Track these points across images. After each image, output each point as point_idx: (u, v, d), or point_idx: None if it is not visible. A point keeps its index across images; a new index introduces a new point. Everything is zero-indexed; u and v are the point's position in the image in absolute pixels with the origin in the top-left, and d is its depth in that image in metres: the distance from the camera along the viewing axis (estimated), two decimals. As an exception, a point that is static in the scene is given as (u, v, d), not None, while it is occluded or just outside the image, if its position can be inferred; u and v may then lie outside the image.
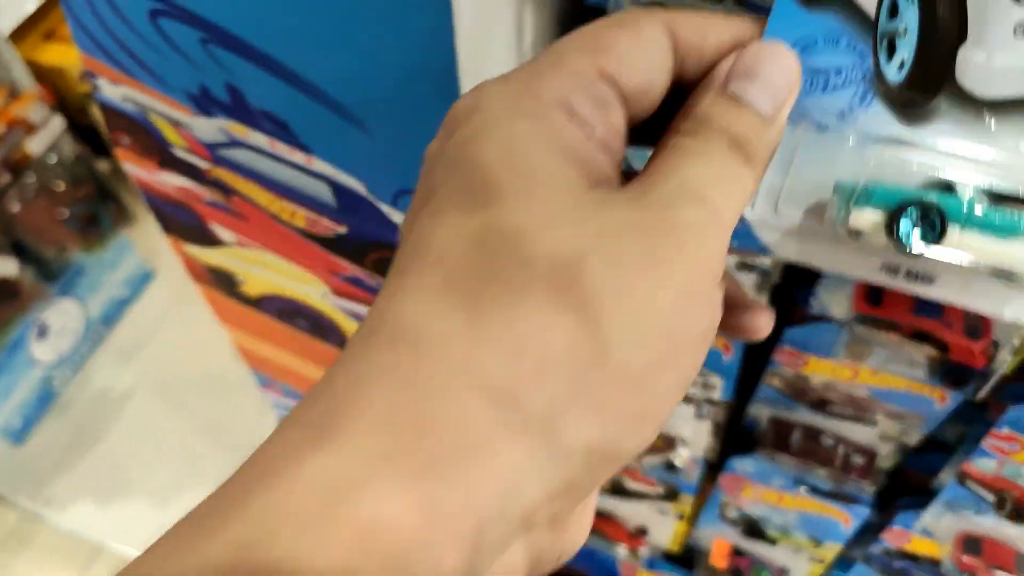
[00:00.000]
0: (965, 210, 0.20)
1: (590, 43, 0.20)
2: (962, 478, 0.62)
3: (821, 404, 0.66)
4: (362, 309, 0.55)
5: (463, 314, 0.17)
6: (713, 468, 0.82)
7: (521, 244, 0.17)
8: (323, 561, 0.14)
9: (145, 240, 1.37)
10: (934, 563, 0.77)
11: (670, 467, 0.71)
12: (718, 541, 0.87)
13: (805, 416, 0.68)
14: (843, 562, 0.85)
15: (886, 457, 0.68)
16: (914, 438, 0.65)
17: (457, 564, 0.16)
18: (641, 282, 0.17)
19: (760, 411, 0.70)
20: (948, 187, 0.20)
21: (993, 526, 0.64)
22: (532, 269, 0.17)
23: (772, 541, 0.83)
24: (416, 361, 0.16)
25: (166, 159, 0.48)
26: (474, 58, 0.33)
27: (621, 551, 0.92)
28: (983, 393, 0.51)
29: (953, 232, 0.20)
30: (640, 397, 0.18)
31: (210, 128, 0.44)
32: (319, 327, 0.60)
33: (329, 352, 0.62)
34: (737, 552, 0.87)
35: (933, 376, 0.49)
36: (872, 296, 0.48)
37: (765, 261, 0.44)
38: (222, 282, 0.59)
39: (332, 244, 0.49)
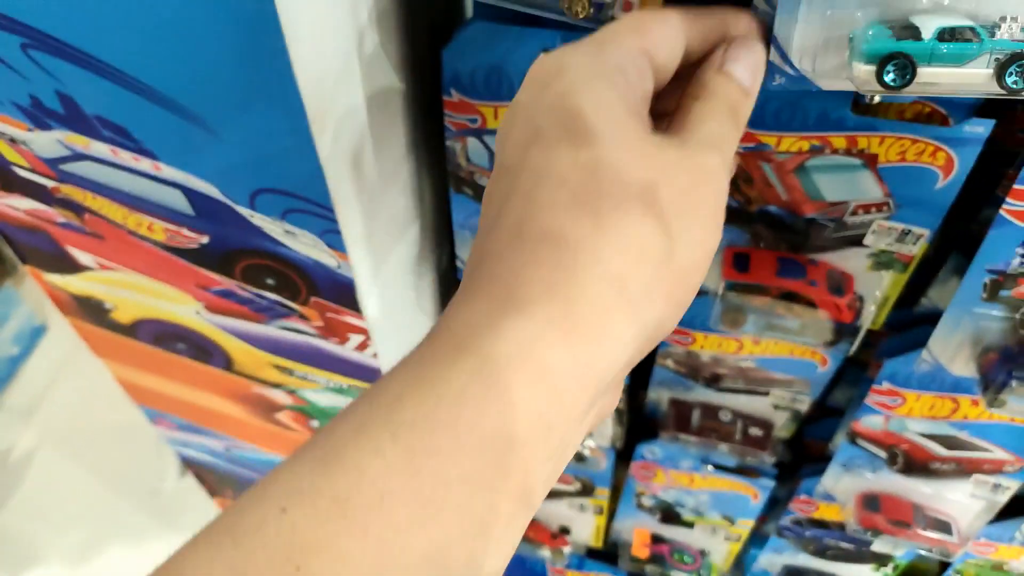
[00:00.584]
0: (929, 51, 0.27)
1: (636, 26, 0.27)
2: (853, 438, 0.64)
3: (715, 380, 0.67)
4: (239, 325, 0.53)
5: (589, 221, 0.24)
6: (624, 458, 0.82)
7: (621, 173, 0.24)
8: (520, 392, 0.22)
9: (33, 290, 1.31)
10: (840, 527, 0.79)
11: (579, 458, 0.71)
12: (638, 531, 0.88)
13: (702, 395, 0.70)
14: (758, 538, 0.86)
15: (782, 427, 0.70)
16: (805, 404, 0.67)
17: (585, 407, 0.23)
18: (689, 205, 0.25)
19: (660, 394, 0.71)
20: (915, 33, 0.27)
21: (888, 482, 0.66)
22: (628, 191, 0.24)
23: (689, 524, 0.84)
24: (561, 257, 0.23)
25: (9, 181, 0.46)
26: (305, 44, 0.33)
27: (546, 553, 0.92)
28: (854, 348, 0.53)
29: (922, 71, 0.27)
30: (686, 289, 0.26)
31: (49, 142, 0.42)
32: (200, 349, 0.58)
33: (216, 375, 0.60)
34: (657, 540, 0.88)
35: (806, 336, 0.51)
36: (739, 263, 0.49)
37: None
38: (91, 312, 0.57)
39: (196, 256, 0.48)
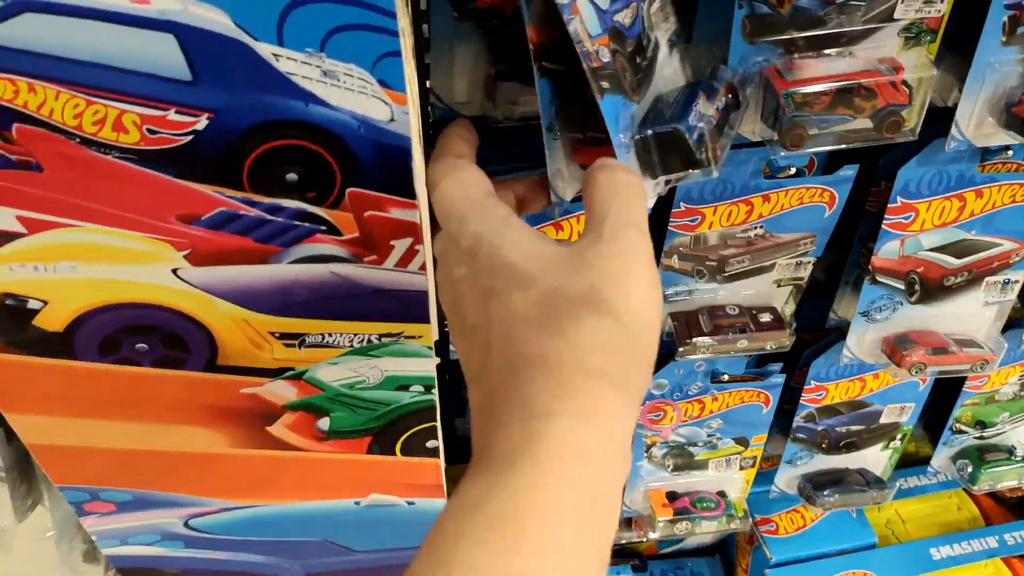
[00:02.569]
0: None
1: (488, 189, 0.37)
2: (873, 276, 0.63)
3: (722, 266, 0.63)
4: (237, 275, 0.41)
5: (559, 338, 0.30)
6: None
7: (563, 292, 0.30)
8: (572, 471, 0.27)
9: None
10: (851, 405, 0.78)
11: None
12: (652, 493, 0.80)
13: (701, 296, 0.65)
14: (764, 477, 0.83)
15: (785, 305, 0.68)
16: (806, 270, 0.65)
17: (616, 468, 0.29)
18: (627, 286, 0.31)
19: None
20: None
21: (910, 318, 0.65)
22: (576, 302, 0.30)
23: (703, 465, 0.79)
24: (551, 372, 0.29)
25: None
26: None
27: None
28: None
29: None
30: (649, 351, 0.32)
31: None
32: (172, 342, 0.43)
33: (192, 384, 0.45)
34: (672, 496, 0.81)
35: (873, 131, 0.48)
36: (784, 73, 0.47)
37: None
38: (3, 324, 0.40)
39: (186, 161, 0.35)
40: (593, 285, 0.30)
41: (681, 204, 0.59)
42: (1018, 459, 0.80)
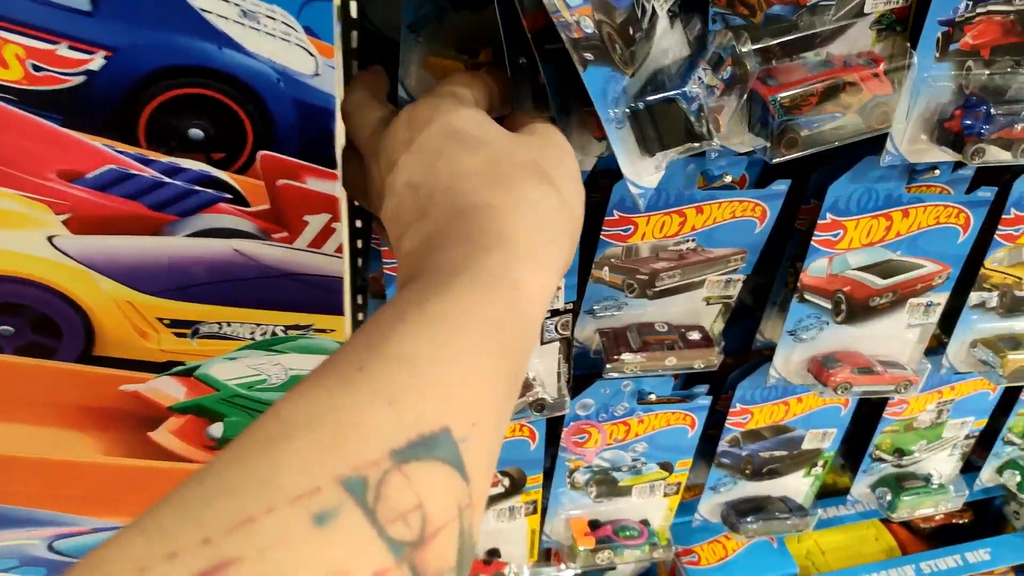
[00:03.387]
0: None
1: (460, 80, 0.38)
2: (801, 294, 0.62)
3: (652, 280, 0.62)
4: (123, 246, 0.36)
5: (506, 193, 0.32)
6: (551, 440, 0.72)
7: (512, 158, 0.33)
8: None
9: None
10: (774, 430, 0.77)
11: (539, 407, 0.60)
12: (574, 522, 0.77)
13: (631, 312, 0.64)
14: (687, 508, 0.81)
15: (714, 323, 0.67)
16: (735, 288, 0.64)
17: (545, 302, 0.32)
18: (564, 171, 0.35)
19: (587, 330, 0.63)
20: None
21: (835, 338, 0.65)
22: (523, 169, 0.33)
23: (626, 491, 0.76)
24: (496, 217, 0.31)
25: None
26: None
27: (478, 592, 0.76)
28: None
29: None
30: (576, 227, 0.35)
31: None
32: (43, 325, 0.37)
33: (64, 376, 0.40)
34: (595, 525, 0.78)
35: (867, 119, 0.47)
36: (769, 79, 0.46)
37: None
38: None
39: (73, 105, 0.31)
40: (536, 159, 0.34)
41: (615, 212, 0.57)
42: (934, 487, 0.81)
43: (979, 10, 0.47)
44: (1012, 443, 0.83)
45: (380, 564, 0.20)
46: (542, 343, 0.60)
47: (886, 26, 0.46)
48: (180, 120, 0.32)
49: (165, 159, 0.33)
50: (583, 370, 0.72)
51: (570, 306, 0.59)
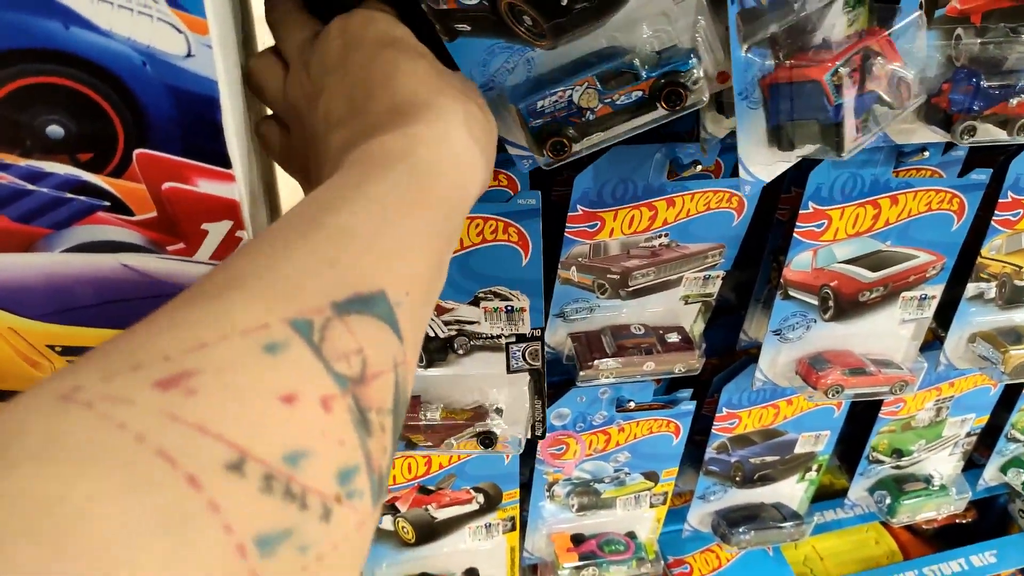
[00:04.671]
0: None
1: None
2: (785, 291, 0.57)
3: (624, 280, 0.57)
4: (-8, 266, 0.31)
5: (442, 97, 0.33)
6: (528, 453, 0.67)
7: (448, 77, 0.35)
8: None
9: None
10: (763, 434, 0.72)
11: (486, 442, 0.54)
12: (556, 537, 0.72)
13: (604, 314, 0.59)
14: (675, 515, 0.76)
15: (694, 323, 0.62)
16: (715, 285, 0.59)
17: (469, 206, 0.34)
18: (481, 97, 0.37)
19: (558, 334, 0.58)
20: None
21: (824, 337, 0.60)
22: (457, 88, 0.34)
23: (610, 504, 0.71)
24: (432, 111, 0.32)
25: None
26: None
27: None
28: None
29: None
30: (494, 147, 0.37)
31: None
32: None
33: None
34: (578, 540, 0.73)
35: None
36: None
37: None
38: None
39: None
40: (466, 89, 0.35)
41: (578, 207, 0.52)
42: (935, 488, 0.76)
43: (967, -31, 0.42)
44: (1016, 440, 0.77)
45: (327, 391, 0.21)
46: (508, 371, 0.54)
47: (852, 6, 0.40)
48: (31, 115, 0.27)
49: (22, 162, 0.28)
50: (557, 376, 0.67)
51: (538, 332, 0.53)
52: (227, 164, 0.30)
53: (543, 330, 0.52)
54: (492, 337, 0.51)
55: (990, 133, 0.45)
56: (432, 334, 0.50)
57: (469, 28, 0.33)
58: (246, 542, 0.17)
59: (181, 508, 0.16)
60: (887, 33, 0.36)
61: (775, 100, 0.34)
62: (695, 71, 0.33)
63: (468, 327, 0.50)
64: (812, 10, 0.36)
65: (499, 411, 0.55)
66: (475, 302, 0.49)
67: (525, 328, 0.51)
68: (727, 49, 0.34)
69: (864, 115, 0.34)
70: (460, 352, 0.51)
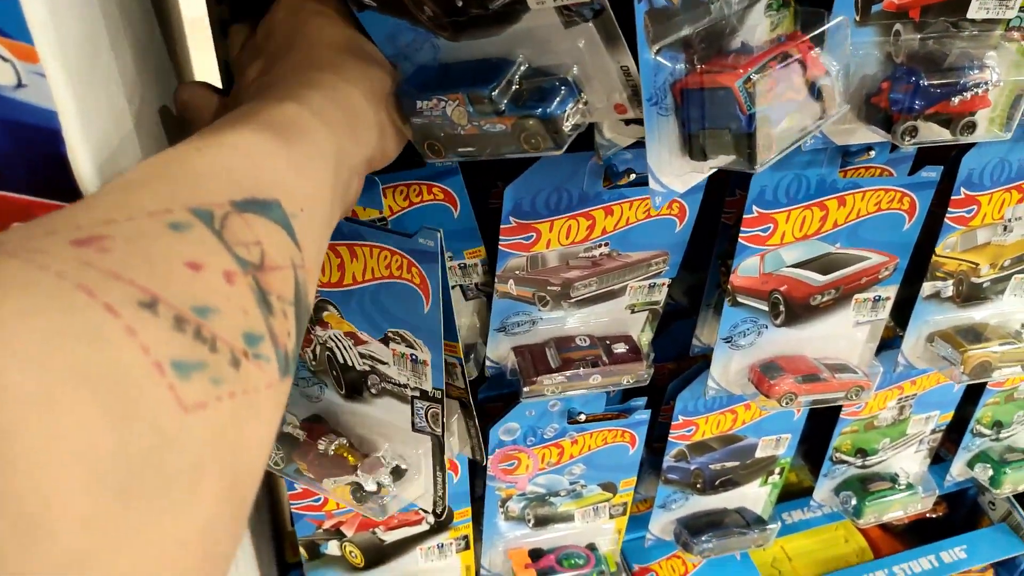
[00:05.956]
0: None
1: None
2: (734, 297, 0.55)
3: (566, 291, 0.54)
4: None
5: (357, 64, 0.37)
6: (479, 469, 0.65)
7: (368, 49, 0.38)
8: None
9: None
10: (722, 440, 0.70)
11: (358, 496, 0.49)
12: (512, 553, 0.70)
13: (547, 326, 0.56)
14: (636, 522, 0.74)
15: (643, 333, 0.59)
16: (662, 293, 0.57)
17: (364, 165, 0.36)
18: (394, 70, 0.39)
19: (501, 348, 0.56)
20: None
21: (777, 342, 0.58)
22: (376, 60, 0.38)
23: (567, 517, 0.69)
24: (341, 76, 0.36)
25: None
26: None
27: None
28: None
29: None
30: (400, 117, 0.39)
31: None
32: None
33: None
34: (536, 555, 0.71)
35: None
36: None
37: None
38: None
39: None
40: (385, 63, 0.38)
41: (511, 219, 0.50)
42: (902, 487, 0.74)
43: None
44: (981, 435, 0.76)
45: (228, 267, 0.22)
46: (413, 428, 0.47)
47: (776, 8, 0.37)
48: None
49: None
50: (505, 389, 0.65)
51: (439, 393, 0.45)
52: (77, 198, 0.27)
53: (443, 392, 0.45)
54: (400, 385, 0.46)
55: (933, 133, 0.43)
56: (348, 363, 0.47)
57: (375, 4, 0.34)
58: (163, 362, 0.18)
59: (101, 327, 0.17)
60: (807, 38, 0.34)
61: (687, 107, 0.31)
62: (566, 114, 0.31)
63: (380, 366, 0.47)
64: (730, 12, 0.33)
65: (397, 471, 0.49)
66: (385, 341, 0.45)
67: (428, 385, 0.45)
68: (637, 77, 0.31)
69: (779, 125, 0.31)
70: (373, 391, 0.47)
